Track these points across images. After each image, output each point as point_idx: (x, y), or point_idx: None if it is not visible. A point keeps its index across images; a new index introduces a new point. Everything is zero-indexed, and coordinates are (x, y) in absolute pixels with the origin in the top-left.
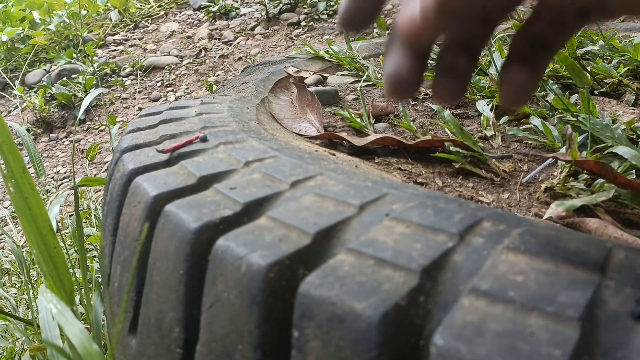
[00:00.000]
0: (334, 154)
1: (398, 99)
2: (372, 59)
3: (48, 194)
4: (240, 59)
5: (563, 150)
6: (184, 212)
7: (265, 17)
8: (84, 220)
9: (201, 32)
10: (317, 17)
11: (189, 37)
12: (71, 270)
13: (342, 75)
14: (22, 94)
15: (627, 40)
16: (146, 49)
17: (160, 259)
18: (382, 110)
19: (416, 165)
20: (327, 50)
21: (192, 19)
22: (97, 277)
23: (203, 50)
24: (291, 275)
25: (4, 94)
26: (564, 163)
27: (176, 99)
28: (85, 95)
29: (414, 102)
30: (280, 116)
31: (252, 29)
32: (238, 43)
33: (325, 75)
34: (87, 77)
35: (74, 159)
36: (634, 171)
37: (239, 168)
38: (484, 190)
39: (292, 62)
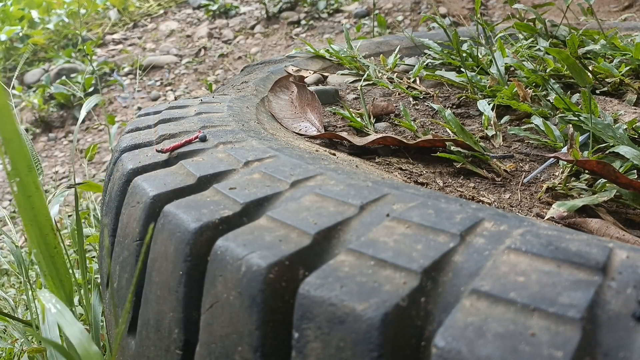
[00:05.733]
0: (334, 154)
1: None
2: (372, 57)
3: (47, 194)
4: (239, 58)
5: (564, 150)
6: (184, 213)
7: (265, 15)
8: (83, 220)
9: (200, 31)
10: (317, 15)
11: (188, 36)
12: (70, 271)
13: (342, 74)
14: (21, 94)
15: (629, 40)
16: (145, 48)
17: (159, 259)
18: (383, 110)
19: (417, 165)
20: (328, 49)
21: (192, 17)
22: (96, 277)
23: (202, 49)
24: (291, 276)
25: None
26: (565, 163)
27: (175, 99)
28: (85, 95)
29: (415, 102)
30: (280, 115)
31: (252, 27)
32: (238, 42)
33: (326, 74)
34: (86, 76)
35: (73, 159)
36: (635, 171)
37: (239, 168)
38: (485, 190)
39: (292, 61)
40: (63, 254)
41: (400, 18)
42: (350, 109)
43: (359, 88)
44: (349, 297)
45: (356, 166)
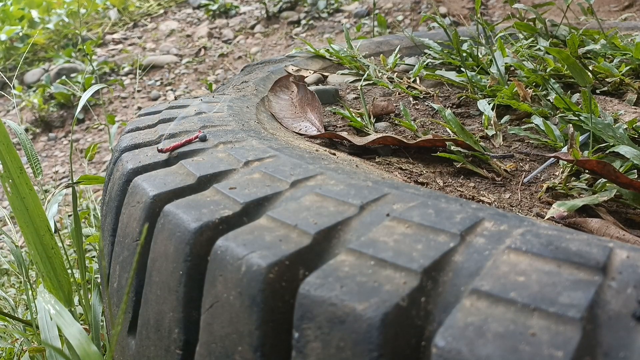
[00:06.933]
0: (334, 154)
1: None
2: (372, 57)
3: (46, 194)
4: (240, 57)
5: (565, 149)
6: (184, 212)
7: (265, 15)
8: (83, 220)
9: (200, 30)
10: (317, 15)
11: (188, 35)
12: (70, 271)
13: (342, 74)
14: (21, 93)
15: (629, 39)
16: (145, 48)
17: (159, 259)
18: (383, 110)
19: (417, 165)
20: (328, 49)
21: (192, 17)
22: (96, 277)
23: (202, 49)
24: (291, 275)
25: (3, 93)
26: (565, 163)
27: (175, 98)
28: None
29: (415, 102)
30: (280, 115)
31: (252, 27)
32: (238, 42)
33: (326, 74)
34: (86, 76)
35: (72, 158)
36: (635, 171)
37: (239, 168)
38: (486, 190)
39: (292, 61)
40: (61, 254)
41: (400, 18)
42: (350, 109)
43: (359, 88)
44: (349, 297)
45: (356, 166)
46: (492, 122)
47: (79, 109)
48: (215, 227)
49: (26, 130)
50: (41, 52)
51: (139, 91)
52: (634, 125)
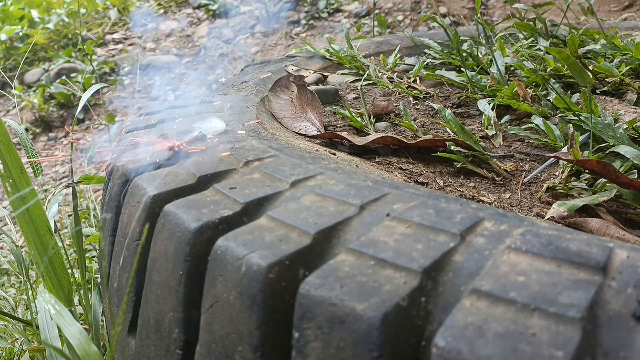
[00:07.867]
0: (334, 154)
1: None
2: (372, 57)
3: (46, 193)
4: (239, 57)
5: (565, 149)
6: (184, 212)
7: (265, 15)
8: (83, 220)
9: (201, 30)
10: (317, 15)
11: (188, 35)
12: (70, 271)
13: (342, 74)
14: (21, 93)
15: (629, 39)
16: (145, 48)
17: (159, 259)
18: (383, 109)
19: (417, 165)
20: (328, 49)
21: (192, 17)
22: (96, 277)
23: (202, 49)
24: (291, 275)
25: (3, 93)
26: (565, 162)
27: (175, 98)
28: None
29: (415, 102)
30: (280, 115)
31: (252, 27)
32: (238, 42)
33: (326, 74)
34: (86, 76)
35: (72, 158)
36: (635, 171)
37: (239, 167)
38: (486, 190)
39: (292, 60)
40: (61, 254)
41: (400, 18)
42: (351, 109)
43: (359, 88)
44: (349, 297)
45: (356, 166)
46: (492, 122)
47: (79, 108)
48: (215, 227)
49: (26, 130)
50: (41, 52)
51: (139, 91)
52: (634, 125)
